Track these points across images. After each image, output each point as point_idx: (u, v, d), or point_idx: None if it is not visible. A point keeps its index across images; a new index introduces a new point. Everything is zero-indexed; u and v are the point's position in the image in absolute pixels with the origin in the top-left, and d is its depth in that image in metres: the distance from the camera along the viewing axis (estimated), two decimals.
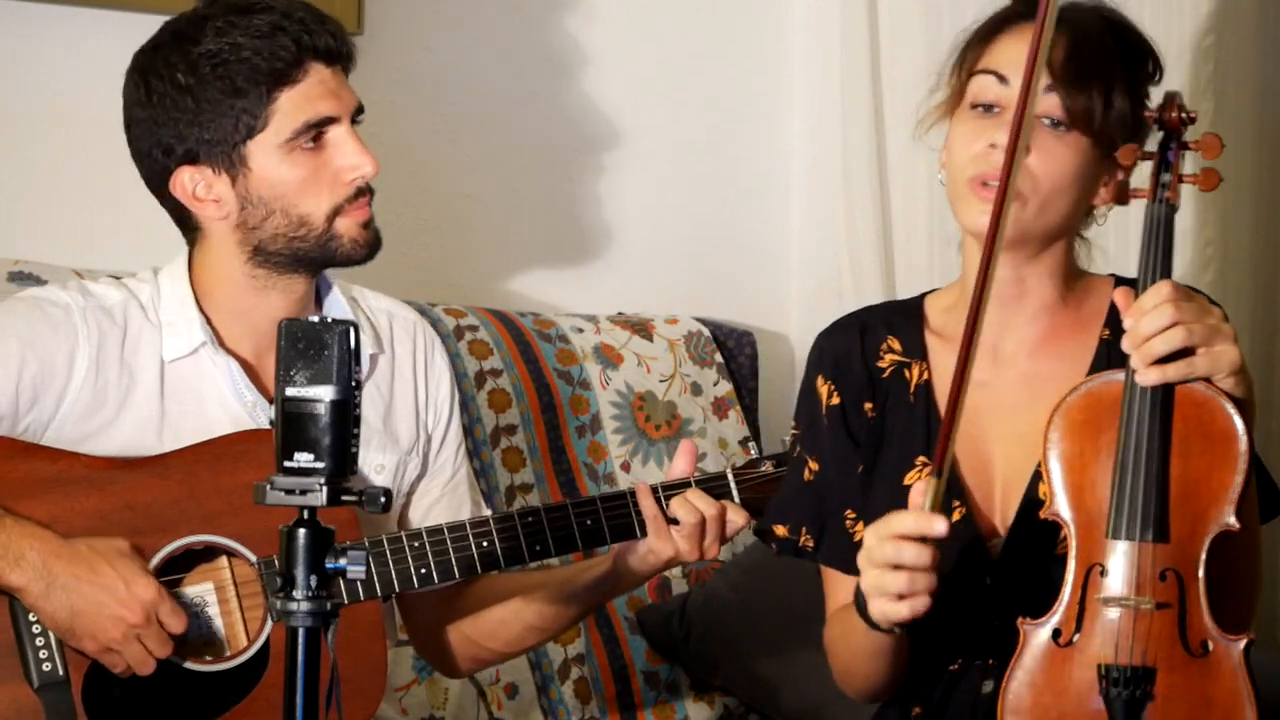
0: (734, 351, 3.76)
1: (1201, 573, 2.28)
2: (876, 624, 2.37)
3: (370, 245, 2.72)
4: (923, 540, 2.29)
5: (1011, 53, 2.45)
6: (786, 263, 4.03)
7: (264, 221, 2.68)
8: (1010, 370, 2.51)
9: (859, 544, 2.54)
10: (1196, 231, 3.83)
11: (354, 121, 2.71)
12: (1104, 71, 2.44)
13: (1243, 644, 2.27)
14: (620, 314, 3.75)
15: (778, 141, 4.02)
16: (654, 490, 2.74)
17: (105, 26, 3.40)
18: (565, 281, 3.82)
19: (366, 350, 2.78)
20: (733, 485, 2.78)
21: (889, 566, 2.30)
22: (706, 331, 3.73)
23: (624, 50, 3.88)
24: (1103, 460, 2.31)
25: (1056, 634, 2.32)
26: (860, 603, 2.41)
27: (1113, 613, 2.29)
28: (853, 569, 2.51)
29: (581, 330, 3.62)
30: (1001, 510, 2.48)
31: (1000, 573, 2.45)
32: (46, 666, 2.58)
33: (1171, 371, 2.30)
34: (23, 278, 3.18)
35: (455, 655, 2.89)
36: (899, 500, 2.48)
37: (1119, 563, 2.29)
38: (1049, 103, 2.42)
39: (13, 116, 3.38)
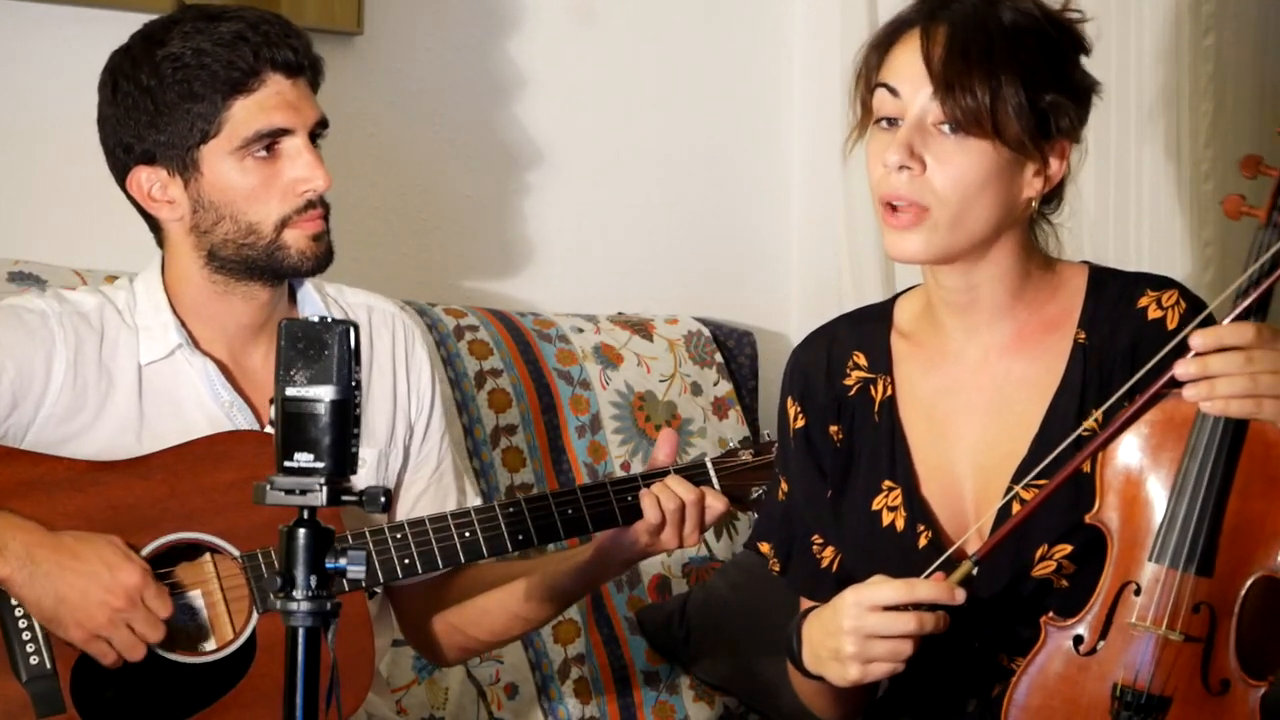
0: (734, 351, 3.76)
1: (1236, 611, 2.23)
2: (813, 675, 2.36)
3: (318, 259, 2.73)
4: (909, 608, 2.25)
5: (902, 62, 2.36)
6: (786, 263, 4.03)
7: (214, 226, 2.71)
8: (980, 375, 2.44)
9: (827, 570, 2.53)
10: (1196, 231, 3.82)
11: (316, 135, 2.73)
12: (987, 66, 2.32)
13: (1262, 691, 2.23)
14: (620, 314, 3.74)
15: (778, 141, 4.02)
16: (634, 480, 2.76)
17: (104, 26, 3.39)
18: (565, 281, 3.82)
19: None
20: (712, 474, 2.79)
21: (873, 637, 2.27)
22: (706, 331, 3.73)
23: (624, 50, 3.88)
24: (1161, 479, 2.26)
25: (1078, 641, 2.28)
26: (793, 652, 2.39)
27: (1139, 635, 2.25)
28: (818, 595, 2.50)
29: (581, 330, 3.62)
30: (976, 522, 2.41)
31: (979, 589, 2.38)
32: (34, 660, 2.59)
33: (1235, 407, 2.21)
34: (23, 278, 3.18)
35: (443, 644, 2.91)
36: (869, 526, 2.46)
37: (1155, 587, 2.24)
38: (936, 111, 2.33)
39: (12, 116, 3.38)
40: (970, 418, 2.44)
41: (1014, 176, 2.36)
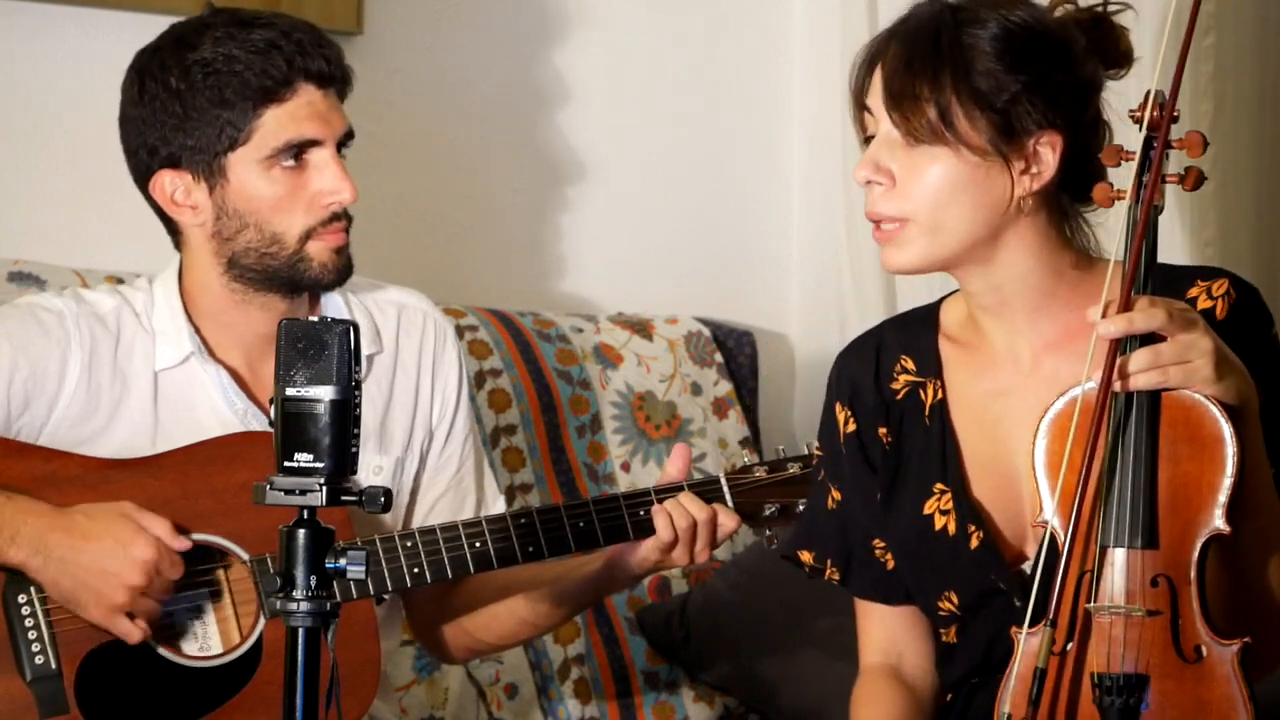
0: (734, 351, 3.76)
1: (1193, 577, 2.26)
2: None
3: (339, 271, 2.73)
4: None
5: (874, 80, 2.38)
6: (786, 263, 4.03)
7: (238, 234, 2.70)
8: (1031, 377, 2.43)
9: (892, 572, 2.51)
10: (1196, 231, 3.82)
11: (342, 147, 2.73)
12: (931, 78, 2.33)
13: (1236, 648, 2.25)
14: (620, 314, 3.75)
15: (778, 141, 4.02)
16: (648, 494, 2.75)
17: (105, 27, 3.39)
18: (565, 281, 3.82)
19: (363, 351, 2.78)
20: (726, 490, 2.78)
21: None
22: (706, 331, 3.73)
23: (624, 49, 3.88)
24: (1089, 466, 2.27)
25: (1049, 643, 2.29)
26: None
27: (1104, 621, 2.27)
28: (889, 598, 2.52)
29: (581, 330, 3.62)
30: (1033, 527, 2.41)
31: (1031, 592, 2.38)
32: (39, 660, 2.59)
33: (1142, 380, 2.25)
34: (23, 278, 3.18)
35: (450, 645, 2.91)
36: (921, 531, 2.45)
37: (1110, 570, 2.26)
38: (889, 122, 2.36)
39: (13, 116, 3.38)
40: (1024, 419, 2.41)
41: (988, 178, 2.35)
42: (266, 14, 2.72)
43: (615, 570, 2.79)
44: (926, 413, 2.48)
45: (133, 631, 2.58)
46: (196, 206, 2.71)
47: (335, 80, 2.71)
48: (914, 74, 2.34)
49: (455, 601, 2.87)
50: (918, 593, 2.50)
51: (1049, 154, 2.36)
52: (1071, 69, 2.39)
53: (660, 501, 2.75)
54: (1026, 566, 2.42)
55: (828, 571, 2.56)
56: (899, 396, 2.50)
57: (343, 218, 2.71)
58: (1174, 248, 3.84)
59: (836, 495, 2.55)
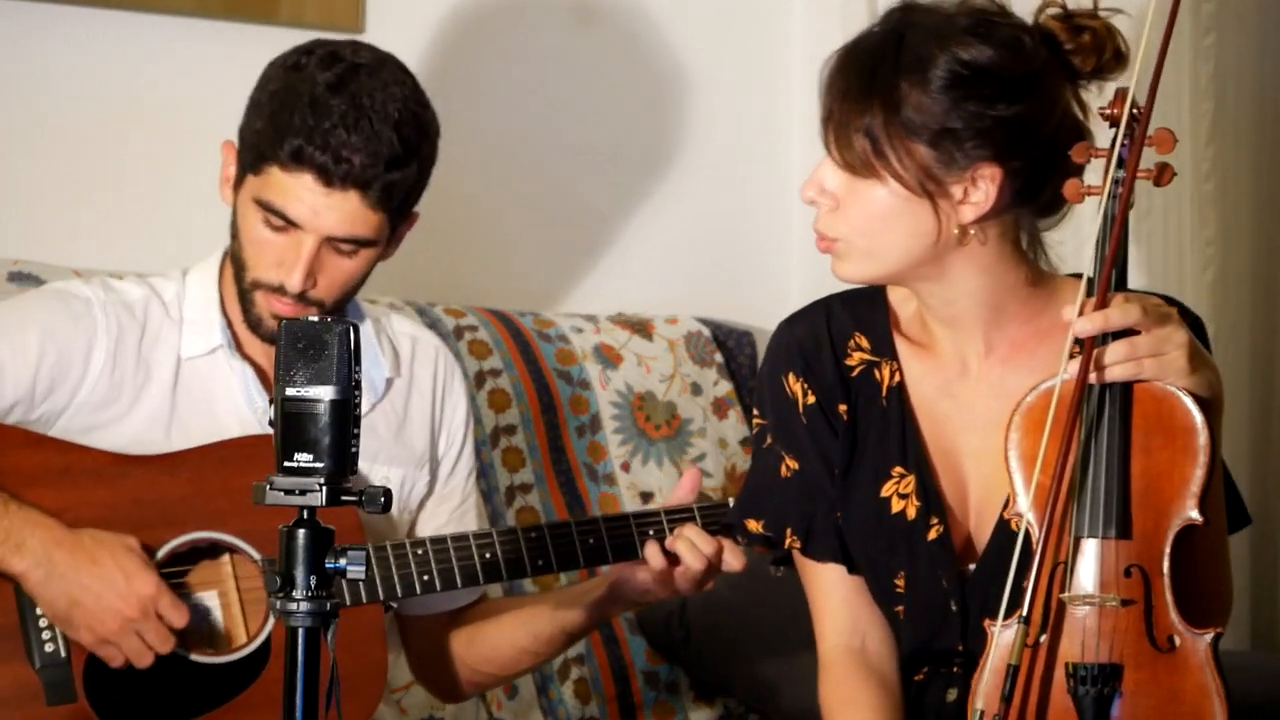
0: (734, 351, 3.76)
1: (1166, 567, 2.27)
2: None
3: (267, 336, 2.73)
4: None
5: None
6: (786, 263, 4.03)
7: (234, 237, 2.75)
8: (979, 382, 2.45)
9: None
10: (1196, 231, 3.82)
11: (349, 242, 2.70)
12: (862, 111, 2.33)
13: (1209, 637, 2.27)
14: (620, 314, 3.75)
15: (778, 141, 4.02)
16: (657, 515, 2.78)
17: (105, 26, 3.39)
18: (565, 281, 3.82)
19: (383, 374, 2.84)
20: None
21: None
22: (706, 331, 3.73)
23: (624, 50, 3.88)
24: (1062, 457, 2.28)
25: (1024, 635, 2.29)
26: None
27: (1078, 611, 2.28)
28: (849, 564, 2.51)
29: (581, 330, 3.62)
30: (976, 530, 2.45)
31: (970, 597, 2.42)
32: (49, 647, 2.61)
33: (1116, 372, 2.27)
34: (23, 278, 3.18)
35: (454, 680, 2.93)
36: (876, 513, 2.46)
37: (1083, 561, 2.28)
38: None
39: (13, 116, 3.38)
40: (967, 423, 2.45)
41: (922, 209, 2.35)
42: (361, 89, 2.68)
43: (618, 597, 2.82)
44: (884, 394, 2.49)
45: (115, 658, 2.59)
46: (229, 187, 2.76)
47: (343, 184, 2.67)
48: (848, 106, 2.34)
49: (456, 634, 2.89)
50: (868, 569, 2.50)
51: (988, 186, 2.35)
52: (1017, 101, 2.35)
53: (670, 524, 2.77)
54: (967, 568, 2.44)
55: (787, 540, 2.54)
56: (854, 374, 2.51)
57: (288, 294, 2.71)
58: (1174, 248, 3.84)
59: (792, 464, 2.53)
